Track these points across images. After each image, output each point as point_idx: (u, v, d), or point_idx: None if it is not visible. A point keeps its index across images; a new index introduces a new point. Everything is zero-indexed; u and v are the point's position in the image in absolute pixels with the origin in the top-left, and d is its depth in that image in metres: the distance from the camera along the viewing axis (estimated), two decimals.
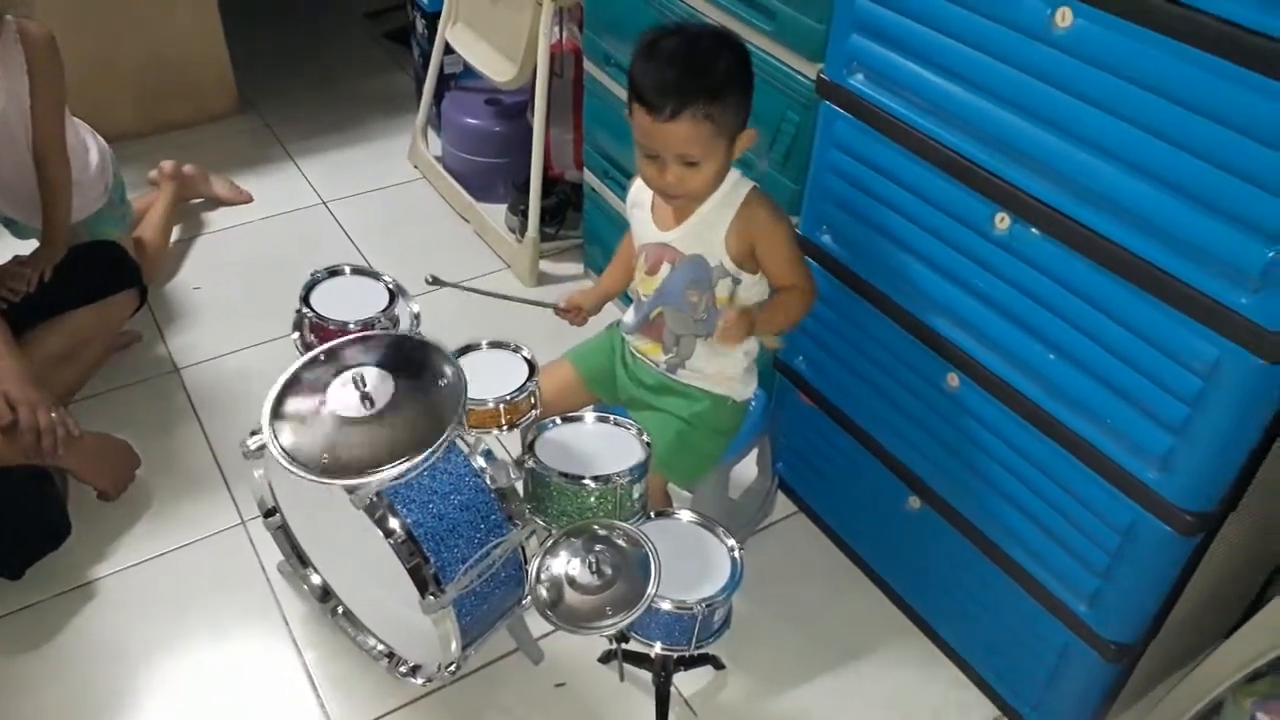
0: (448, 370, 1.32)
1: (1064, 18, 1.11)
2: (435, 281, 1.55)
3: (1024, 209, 1.25)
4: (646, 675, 1.58)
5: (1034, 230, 1.25)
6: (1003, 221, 1.29)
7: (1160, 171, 1.10)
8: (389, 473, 1.22)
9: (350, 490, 1.26)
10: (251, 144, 2.94)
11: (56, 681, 1.59)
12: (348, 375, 1.30)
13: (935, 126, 1.33)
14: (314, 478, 1.21)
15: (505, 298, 1.61)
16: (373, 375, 1.30)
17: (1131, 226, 1.15)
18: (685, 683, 1.62)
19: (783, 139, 1.61)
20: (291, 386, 1.30)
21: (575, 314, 1.65)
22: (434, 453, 1.24)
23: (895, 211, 1.44)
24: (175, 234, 2.50)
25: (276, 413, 1.27)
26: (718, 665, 1.64)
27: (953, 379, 1.45)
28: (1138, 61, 1.07)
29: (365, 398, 1.27)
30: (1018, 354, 1.35)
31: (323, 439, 1.25)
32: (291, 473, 1.22)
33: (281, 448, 1.23)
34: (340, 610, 1.62)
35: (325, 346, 1.37)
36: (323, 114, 3.07)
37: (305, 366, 1.33)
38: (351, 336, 1.43)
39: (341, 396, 1.28)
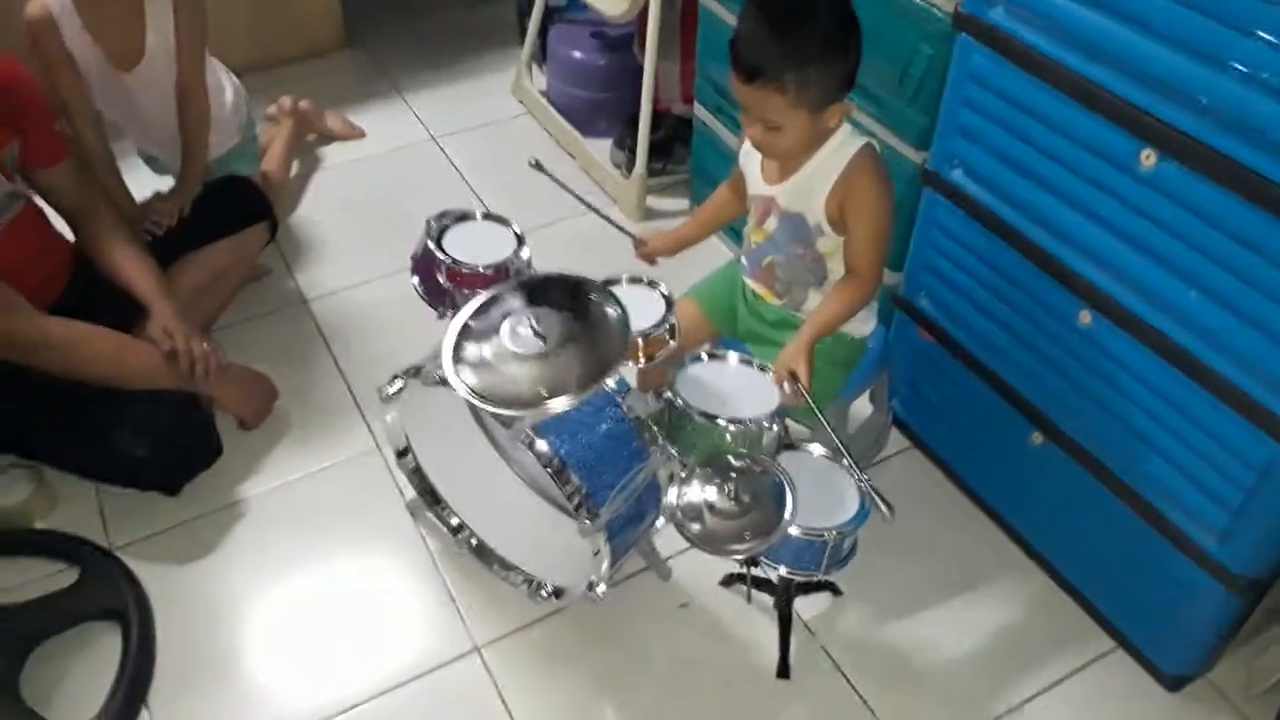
0: (611, 308, 1.36)
1: None
2: (538, 166, 1.64)
3: (1173, 145, 1.25)
4: (766, 599, 1.65)
5: (1182, 167, 1.25)
6: (1149, 158, 1.28)
7: None
8: (564, 402, 1.26)
9: (513, 425, 1.31)
10: (359, 79, 2.99)
11: (212, 591, 1.71)
12: (519, 314, 1.34)
13: (1079, 60, 1.32)
14: (498, 410, 1.27)
15: (594, 209, 1.67)
16: (542, 313, 1.34)
17: None
18: (804, 607, 1.68)
19: (914, 72, 1.61)
20: (465, 328, 1.35)
21: (646, 250, 1.68)
22: (605, 383, 1.29)
23: (1033, 147, 1.44)
24: (293, 169, 2.58)
25: (456, 353, 1.32)
26: (836, 591, 1.70)
27: (1085, 316, 1.46)
28: None
29: (538, 335, 1.31)
30: (1157, 291, 1.35)
31: (498, 376, 1.29)
32: (480, 407, 1.27)
33: (466, 385, 1.27)
34: (474, 543, 1.71)
35: (495, 289, 1.40)
36: (426, 48, 3.11)
37: (472, 311, 1.37)
38: (518, 279, 1.47)
39: (514, 334, 1.33)
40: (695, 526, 1.34)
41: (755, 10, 1.32)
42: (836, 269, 1.52)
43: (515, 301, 1.37)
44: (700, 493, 1.38)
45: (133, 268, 1.81)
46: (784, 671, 1.59)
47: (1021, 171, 1.47)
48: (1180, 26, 1.19)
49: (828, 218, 1.46)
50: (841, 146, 1.42)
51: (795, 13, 1.30)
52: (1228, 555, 1.40)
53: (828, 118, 1.38)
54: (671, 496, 1.38)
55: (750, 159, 1.54)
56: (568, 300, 1.37)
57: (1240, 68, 1.14)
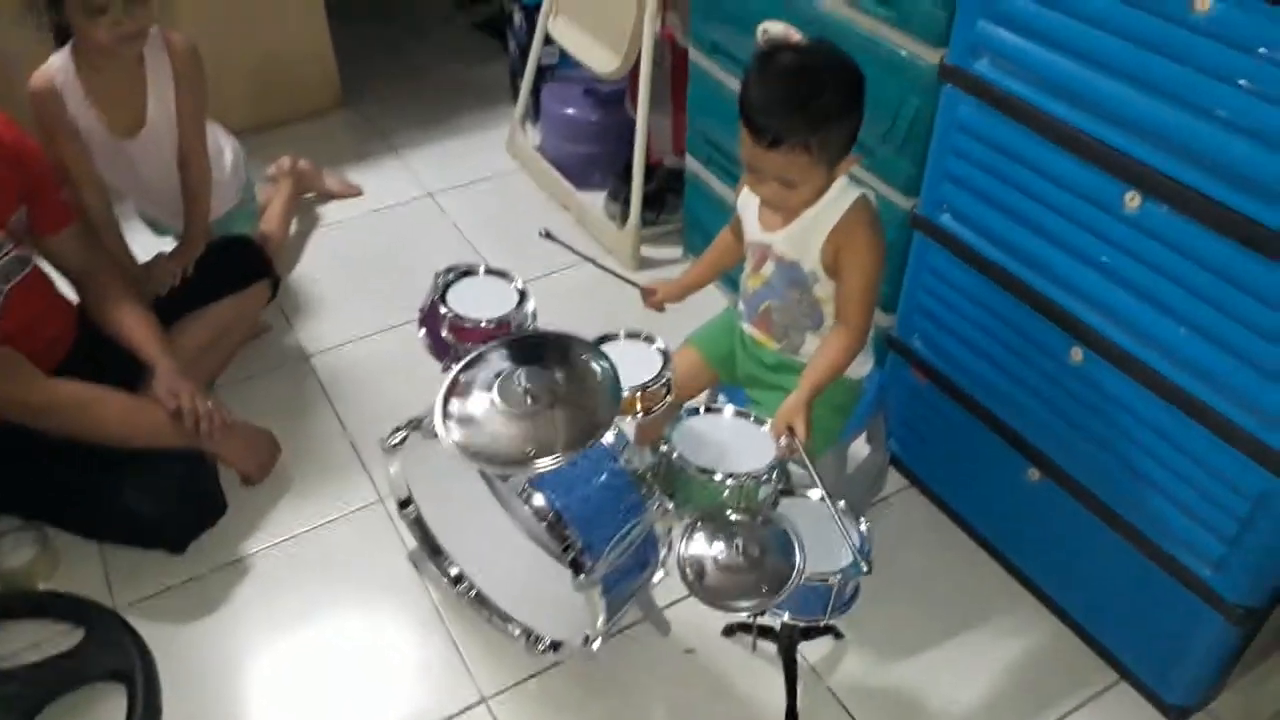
0: (601, 367, 1.39)
1: (1203, 2, 1.15)
2: (548, 235, 1.68)
3: (1155, 187, 1.29)
4: (769, 646, 1.66)
5: (1165, 207, 1.29)
6: (1133, 200, 1.32)
7: None
8: (550, 461, 1.28)
9: (510, 478, 1.34)
10: (354, 138, 3.05)
11: (218, 649, 1.71)
12: (510, 373, 1.36)
13: (1064, 108, 1.37)
14: (486, 467, 1.29)
15: (602, 267, 1.70)
16: (533, 373, 1.36)
17: (1263, 201, 1.18)
18: (808, 651, 1.69)
19: (902, 122, 1.66)
20: (455, 384, 1.38)
21: (655, 299, 1.72)
22: (595, 442, 1.31)
23: (1019, 191, 1.48)
24: (292, 228, 2.62)
25: (445, 407, 1.34)
26: (837, 635, 1.71)
27: (1076, 353, 1.49)
28: (1277, 41, 1.10)
29: (528, 393, 1.33)
30: (1146, 328, 1.38)
31: (488, 433, 1.32)
32: (469, 464, 1.30)
33: (454, 442, 1.30)
34: (474, 594, 1.72)
35: (489, 346, 1.43)
36: (420, 107, 3.17)
37: (466, 366, 1.40)
38: (509, 336, 1.50)
39: (504, 392, 1.35)
40: (704, 583, 1.35)
41: (771, 78, 1.35)
42: (833, 312, 1.55)
43: (507, 359, 1.39)
44: (706, 548, 1.38)
45: (136, 328, 1.83)
46: (792, 718, 1.60)
47: (1009, 215, 1.51)
48: (1158, 74, 1.24)
49: (823, 265, 1.49)
50: (839, 197, 1.46)
51: (806, 77, 1.34)
52: (1224, 585, 1.42)
53: (842, 168, 1.43)
54: (677, 551, 1.39)
55: (748, 206, 1.58)
56: (558, 359, 1.40)
57: (1219, 113, 1.19)
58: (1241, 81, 1.15)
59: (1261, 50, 1.12)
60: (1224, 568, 1.41)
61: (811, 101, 1.33)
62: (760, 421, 1.50)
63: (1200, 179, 1.24)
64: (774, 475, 1.43)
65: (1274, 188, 1.17)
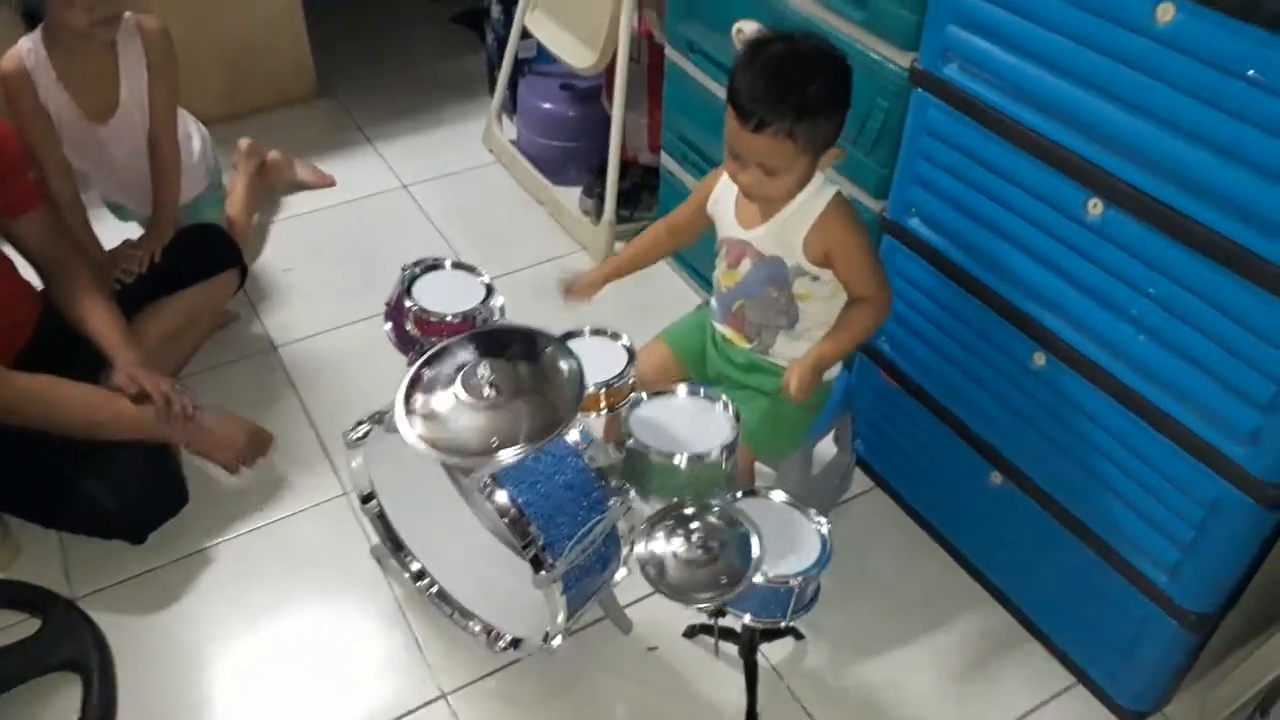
0: (565, 361, 1.39)
1: (1166, 13, 1.16)
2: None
3: (1117, 195, 1.30)
4: (730, 647, 1.66)
5: (1126, 215, 1.30)
6: (1095, 207, 1.33)
7: (1253, 157, 1.14)
8: (513, 453, 1.28)
9: (472, 473, 1.33)
10: (330, 128, 3.03)
11: (176, 641, 1.69)
12: (474, 365, 1.36)
13: (1031, 115, 1.38)
14: (447, 459, 1.29)
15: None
16: (496, 364, 1.36)
17: (1223, 211, 1.20)
18: (769, 651, 1.69)
19: (872, 125, 1.66)
20: (418, 377, 1.37)
21: (577, 288, 1.69)
22: (558, 435, 1.31)
23: (986, 196, 1.49)
24: (265, 217, 2.60)
25: (408, 401, 1.34)
26: (797, 636, 1.71)
27: (1039, 358, 1.50)
28: (1236, 53, 1.11)
29: (491, 386, 1.33)
30: (1106, 334, 1.40)
31: (451, 425, 1.31)
32: (429, 456, 1.29)
33: (416, 436, 1.29)
34: (435, 590, 1.71)
35: (454, 339, 1.42)
36: (397, 98, 3.15)
37: (430, 359, 1.40)
38: (475, 330, 1.49)
39: (468, 385, 1.34)
40: (662, 576, 1.36)
41: (761, 63, 1.37)
42: (809, 311, 1.55)
43: (470, 352, 1.39)
44: (665, 543, 1.39)
45: (98, 318, 1.81)
46: (752, 718, 1.60)
47: (975, 219, 1.52)
48: (1121, 83, 1.25)
49: (809, 258, 1.50)
50: (818, 193, 1.48)
51: (795, 66, 1.36)
52: (1179, 590, 1.43)
53: (826, 161, 1.44)
54: (638, 547, 1.39)
55: (723, 205, 1.58)
56: (523, 352, 1.39)
57: (1180, 123, 1.20)
58: (1201, 92, 1.16)
59: (1221, 62, 1.13)
60: (1179, 574, 1.43)
61: (800, 88, 1.35)
62: (713, 399, 1.50)
63: (1161, 188, 1.25)
64: (733, 451, 1.43)
65: (1233, 199, 1.18)
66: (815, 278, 1.52)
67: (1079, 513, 1.54)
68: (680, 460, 1.41)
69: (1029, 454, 1.59)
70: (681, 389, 1.53)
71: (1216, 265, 1.22)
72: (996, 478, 1.66)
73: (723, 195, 1.58)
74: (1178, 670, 1.57)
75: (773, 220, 1.50)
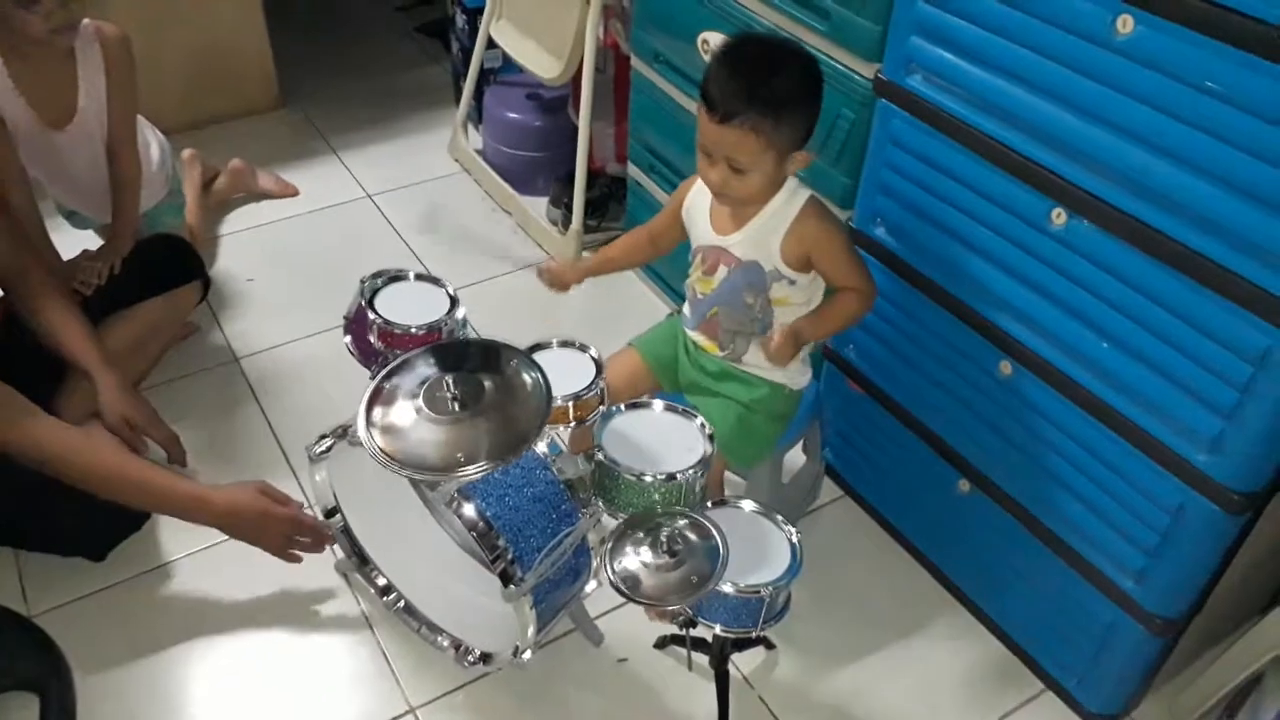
0: (531, 375, 1.38)
1: (1125, 25, 1.17)
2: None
3: (1080, 205, 1.32)
4: (701, 658, 1.65)
5: (1090, 225, 1.32)
6: (1059, 217, 1.35)
7: (1213, 168, 1.16)
8: (478, 469, 1.27)
9: (438, 486, 1.32)
10: (294, 137, 3.00)
11: (137, 659, 1.66)
12: (438, 379, 1.35)
13: (994, 126, 1.39)
14: (411, 474, 1.27)
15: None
16: (460, 378, 1.35)
17: (1185, 221, 1.21)
18: (740, 662, 1.69)
19: (837, 135, 1.67)
20: (380, 390, 1.35)
21: (556, 273, 1.72)
22: (524, 450, 1.30)
23: (951, 206, 1.50)
24: (226, 226, 2.56)
25: (369, 415, 1.32)
26: (769, 645, 1.71)
27: (1005, 366, 1.51)
28: (1195, 65, 1.13)
29: (455, 400, 1.32)
30: (1071, 342, 1.41)
31: (414, 439, 1.30)
32: (392, 470, 1.27)
33: (379, 448, 1.28)
34: (401, 604, 1.69)
35: (416, 352, 1.41)
36: (361, 108, 3.13)
37: (392, 372, 1.38)
38: (438, 342, 1.48)
39: (432, 399, 1.33)
40: (629, 580, 1.35)
41: (733, 57, 1.39)
42: (784, 316, 1.56)
43: (434, 366, 1.37)
44: (633, 550, 1.38)
45: (70, 332, 1.77)
46: None
47: (940, 228, 1.53)
48: (1083, 94, 1.26)
49: (786, 261, 1.51)
50: (792, 197, 1.49)
51: (772, 60, 1.38)
52: (1146, 596, 1.45)
53: (795, 164, 1.45)
54: (603, 556, 1.38)
55: (697, 212, 1.58)
56: (488, 366, 1.38)
57: (1141, 134, 1.21)
58: (1161, 103, 1.17)
59: (1180, 74, 1.15)
60: (1145, 579, 1.44)
61: (766, 81, 1.36)
62: (689, 415, 1.50)
63: (1123, 198, 1.26)
64: (705, 470, 1.43)
65: (1193, 208, 1.19)
66: (792, 281, 1.53)
67: (1046, 520, 1.55)
68: (650, 479, 1.40)
69: (996, 462, 1.60)
70: (657, 404, 1.53)
71: (1179, 274, 1.24)
72: (964, 485, 1.67)
73: (697, 202, 1.59)
74: (1146, 674, 1.58)
75: (749, 225, 1.51)
